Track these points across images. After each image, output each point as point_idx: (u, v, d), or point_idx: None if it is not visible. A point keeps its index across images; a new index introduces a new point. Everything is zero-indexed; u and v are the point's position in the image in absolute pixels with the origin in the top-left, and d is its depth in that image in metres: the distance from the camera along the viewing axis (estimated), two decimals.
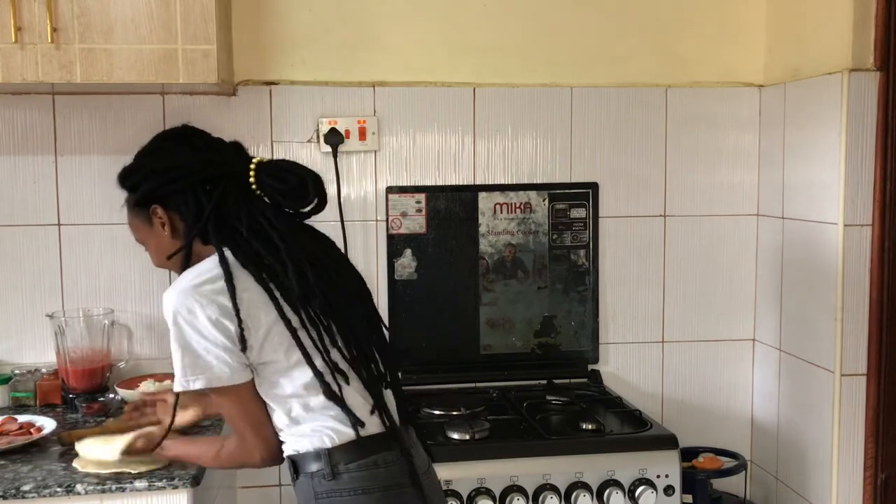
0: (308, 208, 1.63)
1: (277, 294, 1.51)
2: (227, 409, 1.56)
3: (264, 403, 1.56)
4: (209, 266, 1.53)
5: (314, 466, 1.54)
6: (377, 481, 1.54)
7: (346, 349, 1.58)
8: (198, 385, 1.49)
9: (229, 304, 1.48)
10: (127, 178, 1.63)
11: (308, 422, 1.55)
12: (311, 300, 1.54)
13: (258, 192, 1.59)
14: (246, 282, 1.51)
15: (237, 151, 1.64)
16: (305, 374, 1.54)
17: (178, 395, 1.58)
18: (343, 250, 2.36)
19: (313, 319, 1.54)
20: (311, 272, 1.54)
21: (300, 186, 1.58)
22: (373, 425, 1.58)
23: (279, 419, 1.56)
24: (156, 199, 1.58)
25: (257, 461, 1.57)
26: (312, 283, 1.54)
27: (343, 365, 1.57)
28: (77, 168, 2.33)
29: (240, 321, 1.48)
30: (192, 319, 1.47)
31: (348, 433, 1.54)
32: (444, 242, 2.48)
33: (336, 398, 1.54)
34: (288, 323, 1.51)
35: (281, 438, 1.58)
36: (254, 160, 1.60)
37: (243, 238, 1.53)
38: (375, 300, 2.39)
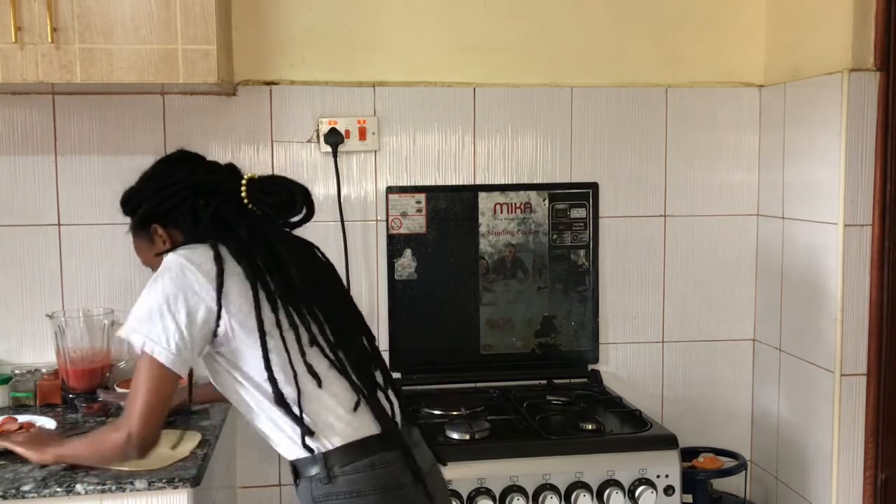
0: (296, 218, 1.70)
1: (262, 295, 1.54)
2: (142, 380, 1.51)
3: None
4: (202, 249, 1.57)
5: (313, 470, 1.55)
6: (373, 483, 1.54)
7: (330, 351, 1.59)
8: (135, 340, 1.50)
9: (214, 274, 1.52)
10: (127, 204, 1.73)
11: (295, 425, 1.55)
12: (297, 299, 1.58)
13: (250, 206, 1.65)
14: (233, 270, 1.54)
15: (231, 172, 1.72)
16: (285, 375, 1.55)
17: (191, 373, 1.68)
18: (343, 250, 2.39)
19: (293, 321, 1.56)
20: (297, 274, 1.60)
21: (289, 198, 1.67)
22: (368, 426, 1.58)
23: (274, 424, 1.57)
24: (155, 217, 1.66)
25: (127, 439, 1.50)
26: (299, 284, 1.59)
27: (322, 367, 1.57)
28: (77, 168, 2.33)
29: (219, 297, 1.51)
30: (178, 278, 1.51)
31: (345, 434, 1.55)
32: (444, 242, 2.48)
33: (285, 405, 1.54)
34: (260, 324, 1.53)
35: (282, 442, 1.58)
36: (245, 177, 1.66)
37: (241, 239, 1.59)
38: (375, 300, 2.45)
